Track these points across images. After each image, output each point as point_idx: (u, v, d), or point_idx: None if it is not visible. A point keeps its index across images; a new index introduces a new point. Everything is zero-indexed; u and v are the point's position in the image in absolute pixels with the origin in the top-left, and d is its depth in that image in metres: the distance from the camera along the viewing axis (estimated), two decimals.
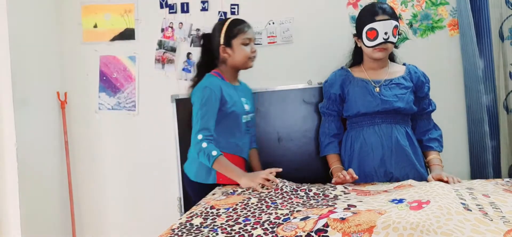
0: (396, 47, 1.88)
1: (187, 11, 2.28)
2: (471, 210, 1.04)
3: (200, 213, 1.29)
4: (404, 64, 1.91)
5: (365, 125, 1.81)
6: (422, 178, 1.71)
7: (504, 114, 2.05)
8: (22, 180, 1.98)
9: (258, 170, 1.86)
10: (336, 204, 1.26)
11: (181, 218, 1.28)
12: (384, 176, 1.75)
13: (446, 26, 2.18)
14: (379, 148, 1.76)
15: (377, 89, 1.79)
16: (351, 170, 1.64)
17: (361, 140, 1.80)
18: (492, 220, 0.99)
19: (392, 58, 1.92)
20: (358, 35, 1.83)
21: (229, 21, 1.82)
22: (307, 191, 1.48)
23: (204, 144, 1.65)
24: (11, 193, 1.96)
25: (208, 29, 2.26)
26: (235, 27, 1.79)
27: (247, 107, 1.83)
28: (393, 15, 1.75)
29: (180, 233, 1.14)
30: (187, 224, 1.21)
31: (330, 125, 1.91)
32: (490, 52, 2.02)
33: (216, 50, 1.82)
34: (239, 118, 1.79)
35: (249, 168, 1.92)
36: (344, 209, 1.16)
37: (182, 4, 2.28)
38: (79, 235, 2.35)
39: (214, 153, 1.62)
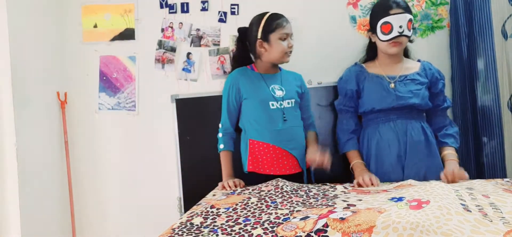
0: (410, 41, 1.85)
1: (187, 11, 2.28)
2: (470, 211, 1.04)
3: (201, 212, 1.30)
4: (418, 61, 1.90)
5: (380, 122, 1.80)
6: (438, 172, 1.70)
7: (508, 114, 2.04)
8: (22, 180, 1.98)
9: (312, 149, 1.79)
10: (335, 203, 1.26)
11: (181, 218, 1.28)
12: (402, 172, 1.74)
13: (446, 26, 2.18)
14: (396, 144, 1.75)
15: (392, 85, 1.78)
16: (374, 177, 1.64)
17: (377, 137, 1.79)
18: (491, 221, 0.99)
19: (406, 54, 1.91)
20: (372, 29, 1.83)
21: (267, 15, 1.81)
22: (307, 191, 1.48)
23: (220, 134, 1.83)
24: (11, 193, 1.96)
25: (208, 29, 2.29)
26: (273, 22, 1.78)
27: (280, 93, 1.79)
28: (407, 9, 1.75)
29: (180, 233, 1.14)
30: (188, 223, 1.21)
31: (348, 122, 1.88)
32: (492, 51, 2.01)
33: (253, 44, 1.82)
34: (264, 106, 1.77)
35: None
36: (344, 208, 1.16)
37: (182, 4, 2.28)
38: (79, 235, 2.35)
39: (221, 146, 1.81)
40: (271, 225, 1.14)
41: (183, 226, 1.20)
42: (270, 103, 1.76)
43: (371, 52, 1.91)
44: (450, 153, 1.76)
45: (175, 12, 2.29)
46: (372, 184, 1.60)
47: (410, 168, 1.74)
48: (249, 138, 1.78)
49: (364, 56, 1.95)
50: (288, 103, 1.79)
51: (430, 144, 1.78)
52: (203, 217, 1.25)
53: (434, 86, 1.82)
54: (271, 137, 1.75)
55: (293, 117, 1.81)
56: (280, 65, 1.91)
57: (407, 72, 1.82)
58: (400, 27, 1.72)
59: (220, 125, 1.83)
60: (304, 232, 1.02)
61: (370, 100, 1.80)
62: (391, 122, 1.78)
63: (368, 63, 1.90)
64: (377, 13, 1.78)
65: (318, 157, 1.68)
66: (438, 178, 1.69)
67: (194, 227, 1.19)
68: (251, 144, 1.77)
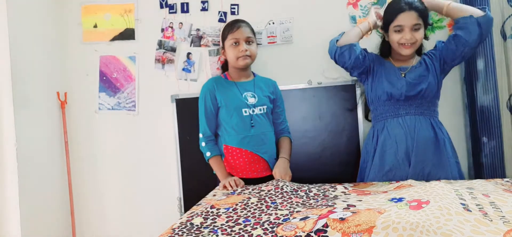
0: (426, 38, 1.85)
1: (187, 11, 2.28)
2: (471, 211, 1.04)
3: (201, 212, 1.30)
4: None
5: (389, 117, 1.80)
6: (448, 171, 1.70)
7: (507, 114, 2.03)
8: (22, 180, 1.98)
9: (282, 152, 1.88)
10: (335, 204, 1.26)
11: (181, 218, 1.28)
12: (410, 168, 1.73)
13: (446, 26, 2.18)
14: (404, 141, 1.75)
15: (403, 74, 1.79)
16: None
17: (385, 133, 1.80)
18: (491, 220, 0.99)
19: (420, 51, 1.90)
20: (385, 29, 1.83)
21: (225, 24, 1.90)
22: (307, 191, 1.48)
23: (203, 144, 1.86)
24: (11, 193, 1.96)
25: (208, 29, 2.29)
26: (225, 29, 1.88)
27: (252, 100, 1.86)
28: (420, 10, 1.73)
29: (180, 233, 1.14)
30: (188, 223, 1.22)
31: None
32: (491, 51, 2.01)
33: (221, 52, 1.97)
34: (237, 112, 1.83)
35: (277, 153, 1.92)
36: (344, 209, 1.16)
37: (182, 4, 2.28)
38: (79, 235, 2.35)
39: (208, 154, 1.85)
40: (271, 226, 1.14)
41: (183, 226, 1.20)
42: (243, 110, 1.84)
43: (385, 49, 1.90)
44: None
45: (175, 12, 2.29)
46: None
47: (416, 164, 1.73)
48: (224, 143, 1.85)
49: (377, 53, 1.95)
50: (260, 110, 1.87)
51: (438, 141, 1.76)
52: (203, 217, 1.26)
53: (446, 50, 1.79)
54: (243, 142, 1.83)
55: (264, 123, 1.87)
56: (254, 71, 1.98)
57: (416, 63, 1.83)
58: (412, 30, 1.72)
59: (200, 135, 1.87)
60: (304, 232, 1.02)
61: (381, 83, 1.80)
62: (400, 117, 1.78)
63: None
64: (390, 13, 1.78)
65: (279, 176, 1.74)
66: (443, 175, 1.69)
67: (194, 227, 1.19)
68: (226, 150, 1.85)
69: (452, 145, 1.83)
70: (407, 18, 1.72)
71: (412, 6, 1.72)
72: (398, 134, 1.77)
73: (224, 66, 2.02)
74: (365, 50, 1.89)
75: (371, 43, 2.07)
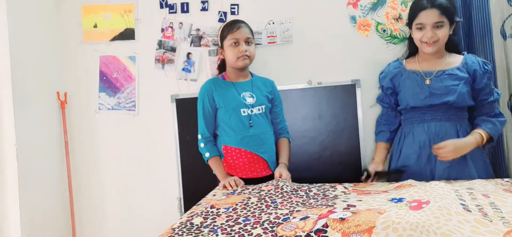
0: (454, 34, 1.79)
1: (187, 11, 2.28)
2: (470, 211, 1.04)
3: (201, 212, 1.30)
4: (463, 54, 1.82)
5: (415, 122, 1.78)
6: (471, 179, 1.64)
7: (508, 115, 2.03)
8: (22, 180, 1.98)
9: (282, 157, 1.89)
10: (335, 204, 1.26)
11: (181, 218, 1.28)
12: (431, 176, 1.71)
13: None
14: (427, 148, 1.72)
15: (428, 81, 1.74)
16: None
17: (410, 137, 1.78)
18: (491, 221, 0.99)
19: (452, 47, 1.82)
20: (409, 26, 1.80)
21: (224, 23, 1.91)
22: (307, 191, 1.48)
23: (202, 145, 1.86)
24: (11, 193, 1.96)
25: (208, 29, 2.29)
26: (225, 29, 1.88)
27: (250, 100, 1.86)
28: (443, 7, 1.68)
29: (180, 233, 1.15)
30: (188, 223, 1.22)
31: (383, 115, 1.95)
32: (491, 51, 2.01)
33: (219, 52, 1.99)
34: (235, 113, 1.83)
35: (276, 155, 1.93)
36: (344, 209, 1.16)
37: (182, 4, 2.28)
38: (79, 235, 2.35)
39: (207, 155, 1.85)
40: (271, 225, 1.14)
41: (183, 226, 1.20)
42: (242, 110, 1.84)
43: (412, 47, 1.85)
44: (476, 132, 1.68)
45: (175, 12, 2.29)
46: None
47: (440, 173, 1.69)
48: (223, 144, 1.86)
49: (406, 50, 1.92)
50: (258, 110, 1.87)
51: None
52: (203, 217, 1.26)
53: (477, 81, 1.73)
54: (243, 143, 1.83)
55: (262, 123, 1.88)
56: (251, 71, 1.99)
57: (446, 67, 1.75)
58: (433, 27, 1.68)
59: (199, 136, 1.87)
60: (303, 232, 1.02)
61: (405, 97, 1.79)
62: (425, 123, 1.75)
63: (409, 59, 1.87)
64: (412, 10, 1.74)
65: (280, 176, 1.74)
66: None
67: (194, 227, 1.19)
68: (225, 150, 1.85)
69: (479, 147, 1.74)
70: (428, 16, 1.68)
71: (434, 3, 1.67)
72: (422, 139, 1.74)
73: (221, 67, 2.02)
74: (385, 77, 1.89)
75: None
